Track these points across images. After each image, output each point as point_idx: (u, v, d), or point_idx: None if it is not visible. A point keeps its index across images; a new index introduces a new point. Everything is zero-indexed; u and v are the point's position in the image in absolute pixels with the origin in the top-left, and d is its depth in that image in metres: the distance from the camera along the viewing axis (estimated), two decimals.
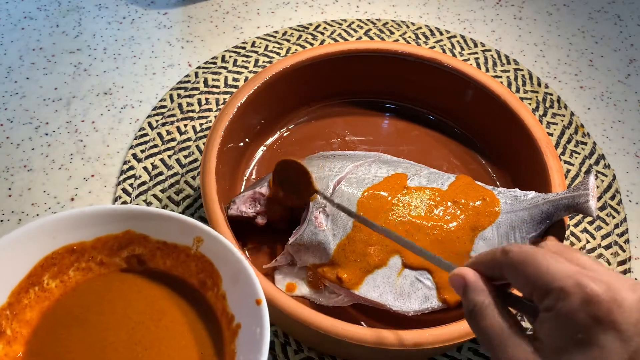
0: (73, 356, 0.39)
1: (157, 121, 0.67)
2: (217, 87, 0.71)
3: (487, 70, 0.75)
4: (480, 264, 0.34)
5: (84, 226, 0.41)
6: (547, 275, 0.29)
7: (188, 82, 0.71)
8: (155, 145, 0.65)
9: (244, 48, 0.75)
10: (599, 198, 0.64)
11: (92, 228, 0.41)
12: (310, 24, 0.79)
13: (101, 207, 0.41)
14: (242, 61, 0.74)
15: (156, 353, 0.39)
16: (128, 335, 0.40)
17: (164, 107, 0.68)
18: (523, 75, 0.75)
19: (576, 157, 0.67)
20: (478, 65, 0.75)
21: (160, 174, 0.62)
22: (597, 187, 0.64)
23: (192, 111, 0.68)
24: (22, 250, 0.39)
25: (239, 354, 0.38)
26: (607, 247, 0.60)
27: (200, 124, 0.67)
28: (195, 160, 0.64)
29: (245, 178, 0.60)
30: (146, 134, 0.65)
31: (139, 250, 0.43)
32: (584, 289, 0.27)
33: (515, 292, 0.33)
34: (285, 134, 0.64)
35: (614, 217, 0.62)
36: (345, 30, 0.78)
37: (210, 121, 0.67)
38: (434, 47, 0.77)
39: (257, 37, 0.77)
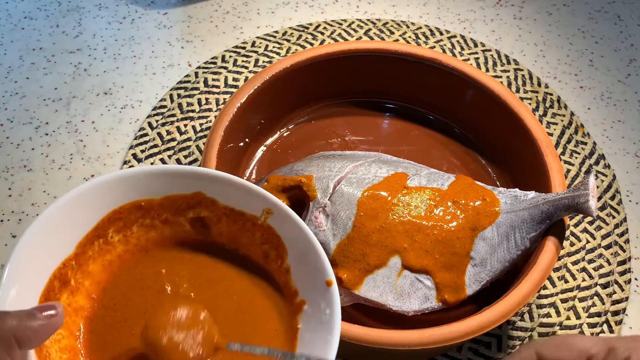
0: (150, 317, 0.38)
1: (157, 121, 0.67)
2: (217, 87, 0.71)
3: (487, 70, 0.75)
4: None
5: (155, 183, 0.41)
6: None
7: (188, 82, 0.71)
8: (155, 145, 0.65)
9: (244, 48, 0.75)
10: (599, 198, 0.64)
11: (162, 186, 0.41)
12: (310, 24, 0.79)
13: (174, 166, 0.41)
14: (242, 61, 0.74)
15: (235, 322, 0.39)
16: (204, 302, 0.40)
17: (164, 107, 0.68)
18: (523, 75, 0.75)
19: (576, 157, 0.67)
20: (478, 65, 0.75)
21: None
22: (597, 187, 0.64)
23: (192, 111, 0.68)
24: (91, 203, 0.39)
25: (304, 331, 0.38)
26: (607, 247, 0.60)
27: (200, 124, 0.67)
28: (195, 160, 0.64)
29: (245, 178, 0.60)
30: (146, 134, 0.65)
31: (205, 213, 0.43)
32: None
33: None
34: (285, 134, 0.64)
35: (614, 217, 0.62)
36: (345, 30, 0.78)
37: (210, 121, 0.67)
38: (434, 47, 0.77)
39: (257, 37, 0.77)
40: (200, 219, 0.43)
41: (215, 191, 0.42)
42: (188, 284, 0.41)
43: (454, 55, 0.76)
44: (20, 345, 0.30)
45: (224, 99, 0.70)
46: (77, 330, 0.38)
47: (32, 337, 0.30)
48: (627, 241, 0.60)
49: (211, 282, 0.41)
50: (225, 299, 0.41)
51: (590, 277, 0.58)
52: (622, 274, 0.58)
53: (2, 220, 0.58)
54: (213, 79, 0.72)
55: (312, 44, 0.76)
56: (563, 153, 0.67)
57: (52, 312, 0.31)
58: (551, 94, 0.73)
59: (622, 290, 0.57)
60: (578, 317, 0.55)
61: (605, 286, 0.57)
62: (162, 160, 0.63)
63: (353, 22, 0.79)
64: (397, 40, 0.78)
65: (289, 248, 0.41)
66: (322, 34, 0.78)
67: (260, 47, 0.75)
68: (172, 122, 0.67)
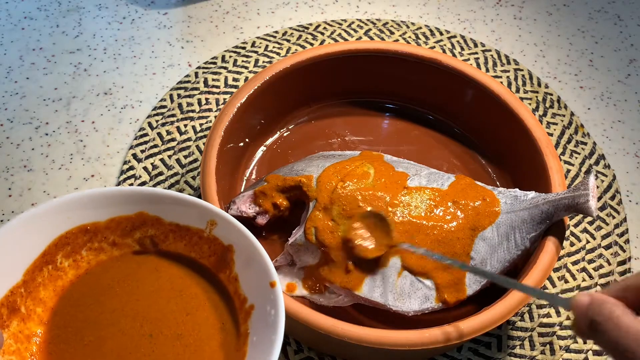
0: (98, 331, 0.39)
1: (157, 121, 0.67)
2: (217, 87, 0.71)
3: (487, 70, 0.75)
4: (608, 292, 0.33)
5: (98, 207, 0.41)
6: None
7: (188, 82, 0.71)
8: (155, 145, 0.65)
9: (244, 48, 0.75)
10: (599, 198, 0.64)
11: (106, 209, 0.42)
12: (310, 24, 0.79)
13: (115, 188, 0.42)
14: (242, 61, 0.74)
15: (181, 322, 0.40)
16: (150, 309, 0.40)
17: (164, 107, 0.68)
18: (523, 75, 0.75)
19: (576, 157, 0.67)
20: (478, 65, 0.75)
21: (161, 174, 0.62)
22: (597, 187, 0.64)
23: (192, 111, 0.68)
24: (37, 229, 0.39)
25: (252, 335, 0.39)
26: (607, 247, 0.60)
27: (200, 124, 0.67)
28: (195, 160, 0.64)
29: (245, 178, 0.60)
30: (146, 134, 0.65)
31: (152, 232, 0.43)
32: None
33: None
34: (285, 134, 0.64)
35: (614, 217, 0.62)
36: (345, 30, 0.78)
37: (210, 121, 0.67)
38: (434, 47, 0.77)
39: (257, 37, 0.77)
40: (149, 237, 0.44)
41: (158, 209, 0.43)
42: (133, 288, 0.42)
43: (454, 55, 0.76)
44: None
45: (224, 99, 0.70)
46: (29, 356, 0.38)
47: None
48: (627, 241, 0.60)
49: (156, 288, 0.42)
50: (174, 305, 0.41)
51: (590, 277, 0.58)
52: (622, 274, 0.58)
53: (2, 220, 0.58)
54: (213, 79, 0.72)
55: (312, 44, 0.76)
56: (563, 153, 0.67)
57: None
58: (551, 94, 0.73)
59: None
60: None
61: (605, 286, 0.57)
62: (162, 160, 0.63)
63: (353, 22, 0.79)
64: (397, 40, 0.78)
65: (236, 256, 0.42)
66: (322, 34, 0.78)
67: (260, 47, 0.75)
68: (172, 122, 0.67)
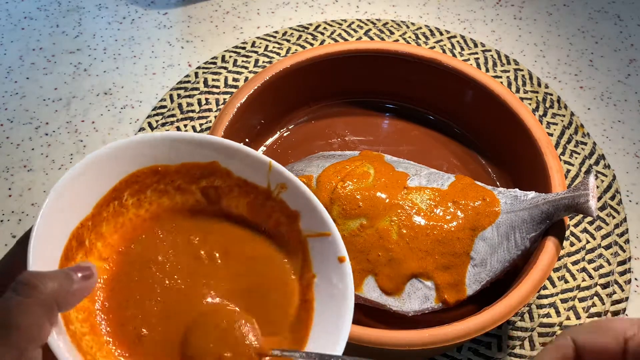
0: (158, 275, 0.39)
1: (157, 121, 0.67)
2: (217, 87, 0.71)
3: (487, 70, 0.75)
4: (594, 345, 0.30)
5: (173, 150, 0.41)
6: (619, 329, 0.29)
7: (188, 82, 0.71)
8: None
9: (244, 48, 0.75)
10: (599, 198, 0.64)
11: (179, 153, 0.42)
12: (310, 24, 0.79)
13: (192, 134, 0.42)
14: (242, 61, 0.74)
15: (257, 295, 0.40)
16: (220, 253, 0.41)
17: (164, 107, 0.68)
18: (523, 75, 0.75)
19: (576, 157, 0.67)
20: (478, 65, 0.75)
21: None
22: (597, 187, 0.64)
23: (192, 111, 0.68)
24: (111, 166, 0.39)
25: (318, 304, 0.38)
26: (607, 247, 0.60)
27: (200, 124, 0.67)
28: None
29: None
30: None
31: (218, 183, 0.43)
32: None
33: None
34: (285, 134, 0.64)
35: (614, 217, 0.62)
36: (345, 30, 0.78)
37: (210, 121, 0.67)
38: (434, 47, 0.77)
39: (257, 37, 0.77)
40: (213, 188, 0.43)
41: (230, 162, 0.42)
42: (209, 248, 0.42)
43: (454, 55, 0.76)
44: (60, 309, 0.29)
45: (224, 99, 0.70)
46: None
47: (69, 300, 0.30)
48: (627, 241, 0.60)
49: (230, 249, 0.42)
50: (246, 267, 0.41)
51: (590, 277, 0.58)
52: (622, 274, 0.58)
53: (2, 221, 0.58)
54: (213, 79, 0.72)
55: (312, 44, 0.76)
56: (563, 153, 0.67)
57: (87, 273, 0.31)
58: (551, 94, 0.73)
59: (622, 290, 0.57)
60: (578, 317, 0.55)
61: (605, 286, 0.57)
62: None
63: (353, 22, 0.79)
64: (397, 40, 0.78)
65: (302, 224, 0.41)
66: (322, 34, 0.78)
67: (260, 47, 0.75)
68: (172, 122, 0.67)
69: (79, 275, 0.30)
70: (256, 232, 0.43)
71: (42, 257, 0.33)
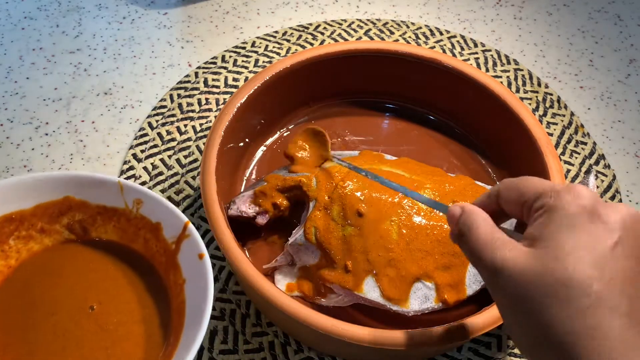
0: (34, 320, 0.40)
1: (157, 121, 0.67)
2: (217, 87, 0.71)
3: (487, 70, 0.75)
4: (478, 202, 0.37)
5: (22, 194, 0.41)
6: (539, 183, 0.33)
7: (188, 82, 0.71)
8: (155, 145, 0.65)
9: (244, 48, 0.75)
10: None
11: (30, 196, 0.41)
12: (310, 24, 0.79)
13: (37, 174, 0.41)
14: (242, 61, 0.74)
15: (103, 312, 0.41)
16: (76, 307, 0.41)
17: (164, 107, 0.68)
18: (523, 75, 0.75)
19: (576, 157, 0.67)
20: (478, 65, 0.75)
21: (160, 174, 0.62)
22: (597, 187, 0.64)
23: (192, 111, 0.68)
24: None
25: (188, 302, 0.40)
26: None
27: (200, 124, 0.67)
28: (195, 160, 0.64)
29: (245, 178, 0.60)
30: (146, 134, 0.65)
31: (80, 216, 0.43)
32: (573, 188, 0.31)
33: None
34: (285, 134, 0.64)
35: None
36: (345, 30, 0.78)
37: (210, 121, 0.67)
38: (434, 47, 0.77)
39: (257, 37, 0.77)
40: (78, 222, 0.43)
41: (83, 193, 0.42)
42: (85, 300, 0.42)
43: (454, 55, 0.76)
44: None
45: (224, 99, 0.70)
46: None
47: None
48: None
49: (98, 279, 0.42)
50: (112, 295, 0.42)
51: None
52: None
53: None
54: (213, 79, 0.72)
55: (312, 44, 0.76)
56: (563, 153, 0.67)
57: None
58: (551, 94, 0.73)
59: None
60: None
61: None
62: (162, 160, 0.63)
63: (353, 22, 0.79)
64: (397, 40, 0.78)
65: (165, 232, 0.42)
66: (322, 34, 0.78)
67: (260, 47, 0.75)
68: (172, 122, 0.67)
69: None
70: (125, 256, 0.43)
71: None
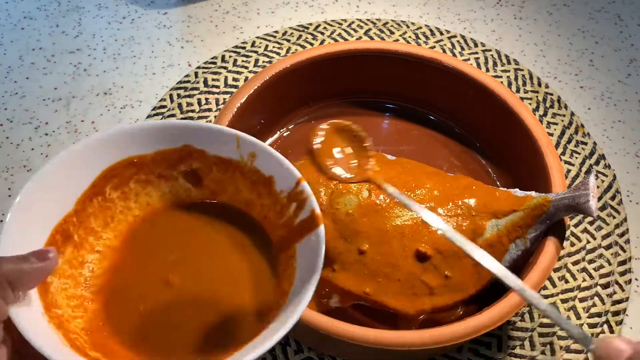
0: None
1: None
2: (217, 87, 0.71)
3: (487, 70, 0.75)
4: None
5: (145, 140, 0.42)
6: None
7: (188, 82, 0.71)
8: None
9: (244, 48, 0.75)
10: (599, 198, 0.64)
11: (152, 142, 0.43)
12: (310, 24, 0.79)
13: (161, 122, 0.43)
14: (242, 61, 0.74)
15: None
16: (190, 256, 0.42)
17: (164, 107, 0.68)
18: (523, 75, 0.75)
19: (576, 157, 0.67)
20: (478, 65, 0.75)
21: None
22: (598, 187, 0.64)
23: (192, 111, 0.68)
24: (85, 162, 0.40)
25: (299, 257, 0.40)
26: (608, 247, 0.60)
27: None
28: None
29: None
30: None
31: (196, 165, 0.44)
32: None
33: None
34: (285, 134, 0.64)
35: (614, 217, 0.62)
36: (345, 30, 0.78)
37: (210, 121, 0.67)
38: (434, 47, 0.77)
39: (257, 37, 0.77)
40: (193, 172, 0.45)
41: (202, 142, 0.43)
42: (185, 247, 0.43)
43: (454, 55, 0.76)
44: (12, 287, 0.31)
45: (224, 99, 0.70)
46: (84, 281, 0.40)
47: (24, 280, 0.32)
48: (627, 241, 0.60)
49: (207, 249, 0.43)
50: (219, 264, 0.43)
51: (591, 277, 0.58)
52: (622, 274, 0.58)
53: (2, 221, 0.58)
54: (213, 79, 0.72)
55: (312, 44, 0.76)
56: (563, 153, 0.67)
57: (45, 255, 0.33)
58: (551, 94, 0.73)
59: (623, 290, 0.57)
60: (578, 317, 0.55)
61: (605, 286, 0.57)
62: None
63: (353, 22, 0.79)
64: (397, 40, 0.78)
65: (277, 187, 0.43)
66: (322, 34, 0.78)
67: (260, 47, 0.75)
68: None
69: (36, 258, 0.33)
70: (241, 222, 0.44)
71: (16, 249, 0.34)
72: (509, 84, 0.74)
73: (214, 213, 0.45)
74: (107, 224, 0.42)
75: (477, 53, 0.77)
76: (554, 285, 0.57)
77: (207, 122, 0.67)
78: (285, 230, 0.42)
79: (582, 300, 0.56)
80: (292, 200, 0.42)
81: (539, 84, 0.74)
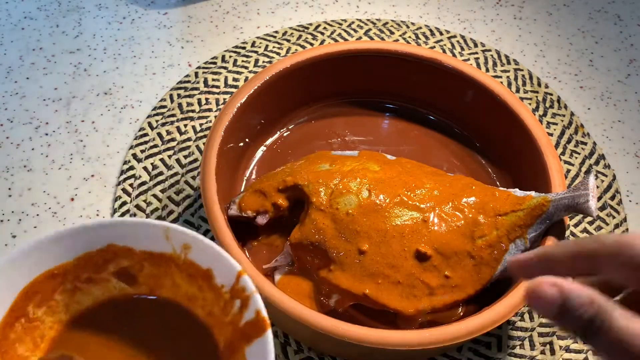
0: None
1: (157, 121, 0.67)
2: (217, 87, 0.71)
3: (487, 70, 0.75)
4: (559, 261, 0.28)
5: (63, 248, 0.39)
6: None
7: (188, 82, 0.71)
8: (155, 145, 0.65)
9: (244, 48, 0.75)
10: (599, 198, 0.64)
11: (71, 248, 0.39)
12: (310, 24, 0.79)
13: (79, 225, 0.39)
14: (242, 61, 0.74)
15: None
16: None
17: (164, 107, 0.68)
18: (523, 75, 0.75)
19: (576, 157, 0.67)
20: (478, 65, 0.75)
21: (160, 174, 0.62)
22: (597, 187, 0.64)
23: (192, 111, 0.68)
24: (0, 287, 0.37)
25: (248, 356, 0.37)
26: None
27: (200, 124, 0.67)
28: (195, 160, 0.64)
29: (245, 178, 0.60)
30: (146, 134, 0.65)
31: (126, 263, 0.41)
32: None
33: None
34: (285, 134, 0.64)
35: (614, 217, 0.62)
36: (345, 30, 0.78)
37: (210, 121, 0.67)
38: (434, 47, 0.77)
39: (257, 37, 0.77)
40: (124, 270, 0.41)
41: (128, 239, 0.40)
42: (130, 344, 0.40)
43: (454, 55, 0.76)
44: None
45: (224, 99, 0.70)
46: None
47: None
48: None
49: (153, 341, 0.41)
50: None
51: None
52: None
53: (2, 221, 0.58)
54: (213, 79, 0.72)
55: (312, 44, 0.76)
56: (563, 153, 0.67)
57: None
58: (551, 94, 0.73)
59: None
60: None
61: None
62: (162, 160, 0.63)
63: (353, 22, 0.79)
64: (397, 40, 0.78)
65: (217, 279, 0.39)
66: (322, 34, 0.78)
67: (260, 47, 0.75)
68: (172, 122, 0.67)
69: None
70: (183, 318, 0.41)
71: None
72: (509, 84, 0.74)
73: (154, 311, 0.41)
74: (37, 345, 0.39)
75: (477, 53, 0.77)
76: None
77: (207, 122, 0.67)
78: (231, 329, 0.39)
79: None
80: (234, 297, 0.38)
81: (539, 84, 0.74)
